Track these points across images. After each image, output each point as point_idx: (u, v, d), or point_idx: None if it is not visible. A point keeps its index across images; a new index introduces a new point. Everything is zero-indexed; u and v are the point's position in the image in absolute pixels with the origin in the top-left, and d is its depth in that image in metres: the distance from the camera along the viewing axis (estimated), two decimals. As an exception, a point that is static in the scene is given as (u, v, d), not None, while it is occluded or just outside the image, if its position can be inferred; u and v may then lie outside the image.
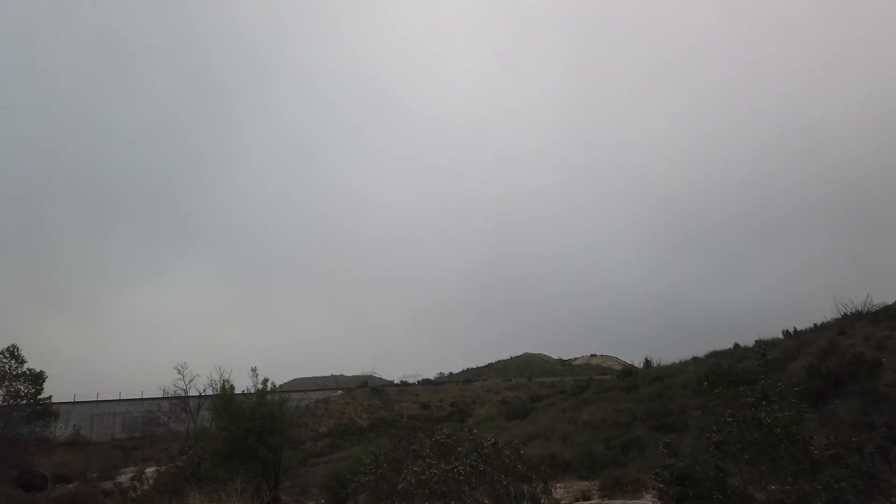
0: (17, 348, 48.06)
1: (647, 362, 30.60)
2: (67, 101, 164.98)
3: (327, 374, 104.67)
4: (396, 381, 74.14)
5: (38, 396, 47.98)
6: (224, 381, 28.12)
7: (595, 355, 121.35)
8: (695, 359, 30.11)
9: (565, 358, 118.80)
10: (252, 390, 29.14)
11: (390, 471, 11.10)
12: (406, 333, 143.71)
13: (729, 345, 30.24)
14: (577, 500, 12.61)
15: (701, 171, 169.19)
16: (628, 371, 29.81)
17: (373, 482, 10.85)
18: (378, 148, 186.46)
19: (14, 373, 47.24)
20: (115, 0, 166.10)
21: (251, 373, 29.24)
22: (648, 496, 12.10)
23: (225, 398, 28.30)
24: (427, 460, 7.84)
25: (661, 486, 9.15)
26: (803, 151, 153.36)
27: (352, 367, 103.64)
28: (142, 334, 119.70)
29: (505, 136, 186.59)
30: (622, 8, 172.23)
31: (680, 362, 31.08)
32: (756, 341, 26.49)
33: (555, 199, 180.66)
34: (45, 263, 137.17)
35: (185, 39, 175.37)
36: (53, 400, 51.16)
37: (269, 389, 29.32)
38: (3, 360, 47.11)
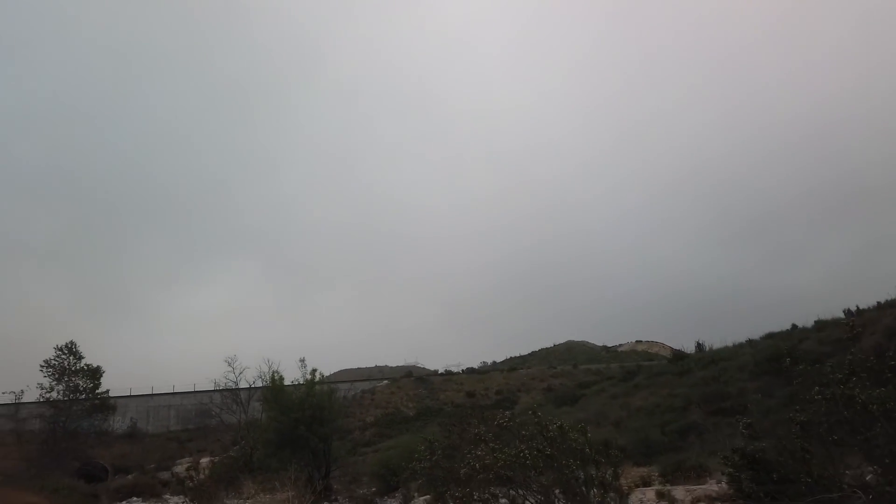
0: (75, 345, 49.58)
1: (699, 346, 29.77)
2: (119, 107, 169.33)
3: (371, 365, 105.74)
4: (440, 370, 74.30)
5: (97, 391, 49.39)
6: (274, 371, 28.51)
7: (640, 341, 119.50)
8: (750, 341, 29.15)
9: (610, 345, 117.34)
10: (301, 381, 29.47)
11: (445, 457, 10.93)
12: (446, 324, 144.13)
13: (784, 328, 29.22)
14: (636, 486, 12.24)
15: (755, 158, 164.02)
16: (679, 355, 29.02)
17: (428, 469, 10.70)
18: (416, 142, 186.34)
19: (73, 368, 48.70)
20: (169, 12, 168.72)
21: (299, 363, 29.58)
22: (713, 481, 11.65)
23: (275, 389, 28.66)
24: (491, 444, 7.60)
25: (732, 470, 8.74)
26: (859, 137, 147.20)
27: (395, 358, 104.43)
28: (190, 330, 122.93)
29: (544, 121, 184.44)
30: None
31: (734, 345, 30.15)
32: (815, 321, 25.46)
33: (597, 187, 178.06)
34: (96, 265, 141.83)
35: (230, 47, 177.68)
36: (110, 394, 52.71)
37: (316, 380, 29.60)
38: (62, 356, 48.60)
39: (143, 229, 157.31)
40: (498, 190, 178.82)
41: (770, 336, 28.64)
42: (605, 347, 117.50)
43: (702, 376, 22.64)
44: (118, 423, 56.24)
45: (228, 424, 48.86)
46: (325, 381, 30.85)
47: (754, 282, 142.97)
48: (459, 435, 15.67)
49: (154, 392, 62.05)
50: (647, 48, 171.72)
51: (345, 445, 39.96)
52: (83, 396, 48.60)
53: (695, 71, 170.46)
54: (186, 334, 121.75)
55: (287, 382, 30.18)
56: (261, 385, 41.47)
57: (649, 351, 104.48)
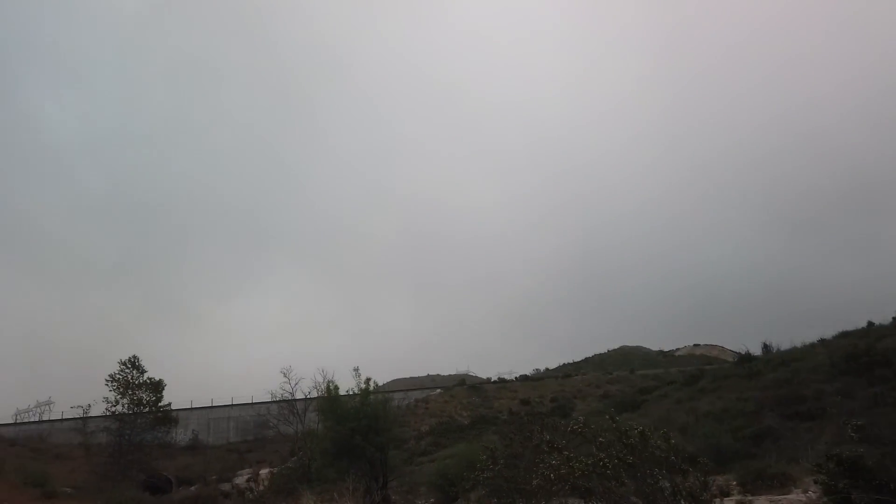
0: (138, 359, 50.94)
1: (766, 347, 28.36)
2: (173, 128, 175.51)
3: (423, 374, 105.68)
4: (493, 378, 73.60)
5: (159, 404, 50.61)
6: (329, 381, 28.48)
7: (698, 345, 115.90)
8: (823, 341, 27.64)
9: (666, 349, 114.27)
10: (356, 390, 29.36)
11: (507, 467, 10.46)
12: (497, 332, 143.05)
13: (859, 325, 27.63)
14: (714, 496, 11.44)
15: (808, 156, 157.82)
16: (746, 357, 27.69)
17: (490, 479, 10.23)
18: (460, 146, 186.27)
19: (136, 382, 50.04)
20: (195, 23, 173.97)
21: (353, 372, 29.48)
22: (798, 491, 10.80)
23: (330, 399, 28.62)
24: (566, 453, 7.08)
25: (826, 478, 7.99)
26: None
27: (447, 366, 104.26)
28: (247, 343, 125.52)
29: (593, 127, 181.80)
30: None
31: (805, 345, 28.65)
32: (894, 318, 23.91)
33: (648, 192, 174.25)
34: (157, 281, 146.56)
35: (263, 53, 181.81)
36: (172, 407, 53.96)
37: (371, 389, 29.43)
38: (126, 370, 49.99)
39: (200, 245, 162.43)
40: (547, 197, 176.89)
41: (845, 335, 27.13)
42: (661, 352, 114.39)
43: (773, 378, 21.45)
44: (180, 436, 57.56)
45: (286, 435, 49.43)
46: (381, 389, 30.70)
47: (818, 278, 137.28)
48: (521, 443, 15.17)
49: (214, 404, 63.29)
50: (698, 28, 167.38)
51: (401, 455, 39.75)
52: (146, 409, 49.90)
53: (747, 60, 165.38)
54: (244, 346, 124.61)
55: (342, 392, 30.15)
56: (316, 396, 41.76)
57: (708, 355, 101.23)
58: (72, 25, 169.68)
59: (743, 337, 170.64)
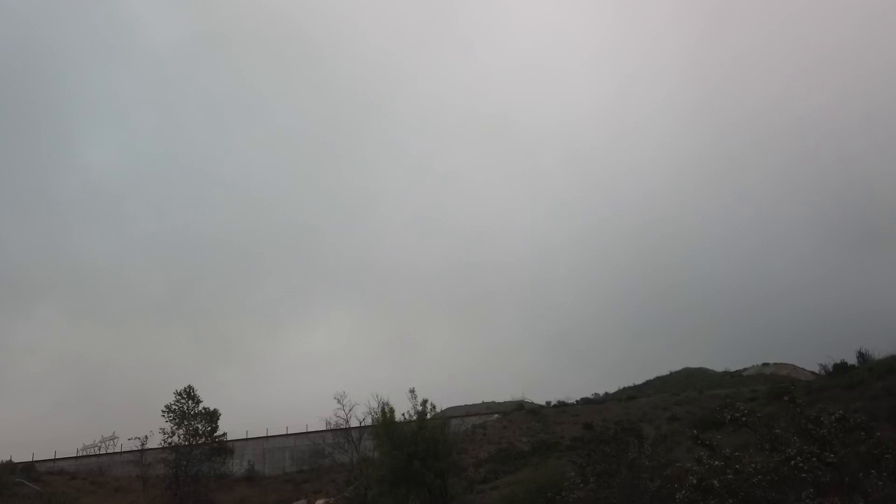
0: (193, 389, 50.72)
1: (862, 356, 25.56)
2: (217, 162, 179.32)
3: (478, 401, 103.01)
4: (553, 402, 70.73)
5: (214, 434, 50.11)
6: (384, 404, 27.14)
7: (768, 364, 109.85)
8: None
9: (732, 369, 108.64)
10: (412, 414, 27.85)
11: (599, 486, 8.85)
12: (549, 358, 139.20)
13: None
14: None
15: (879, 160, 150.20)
16: (842, 367, 25.01)
17: (583, 499, 8.65)
18: (505, 173, 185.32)
19: (191, 412, 49.75)
20: (235, 56, 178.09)
21: (409, 394, 28.05)
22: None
23: (386, 423, 27.22)
24: (725, 451, 5.42)
25: None
26: None
27: (500, 393, 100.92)
28: (300, 372, 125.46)
29: (638, 145, 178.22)
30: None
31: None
32: None
33: (701, 207, 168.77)
34: (206, 317, 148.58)
35: (305, 86, 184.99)
36: (227, 438, 53.43)
37: (428, 411, 27.90)
38: (181, 400, 49.78)
39: (248, 278, 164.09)
40: (596, 219, 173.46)
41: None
42: (727, 373, 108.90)
43: (883, 387, 18.95)
44: (236, 466, 56.90)
45: (341, 464, 48.08)
46: (438, 414, 29.10)
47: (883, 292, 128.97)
48: (616, 458, 13.49)
49: (269, 434, 62.57)
50: (748, 43, 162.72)
51: (460, 483, 37.90)
52: (202, 440, 49.50)
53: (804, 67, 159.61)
54: (296, 376, 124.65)
55: (397, 417, 28.70)
56: (371, 422, 40.30)
57: (779, 374, 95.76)
58: (109, 63, 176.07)
59: (811, 355, 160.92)
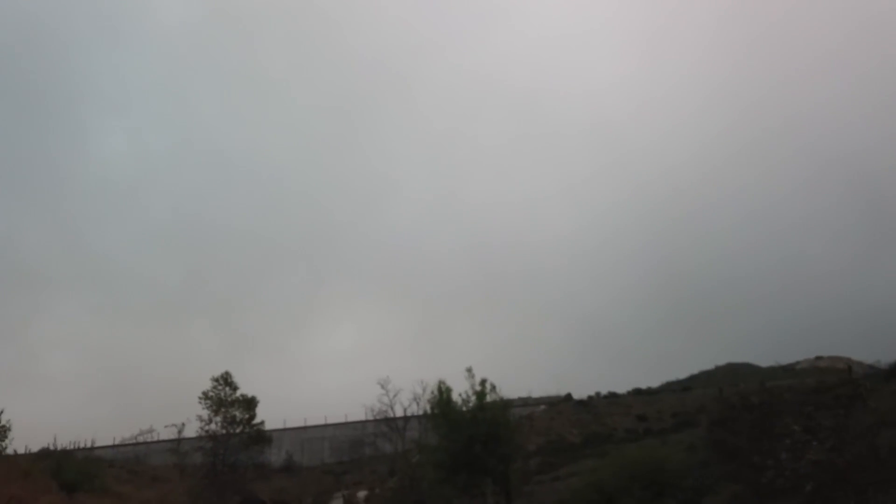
0: (230, 375, 49.01)
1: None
2: (218, 145, 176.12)
3: (514, 397, 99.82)
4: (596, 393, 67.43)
5: (252, 422, 48.43)
6: (440, 382, 24.61)
7: (821, 357, 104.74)
8: None
9: (781, 363, 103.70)
10: (470, 395, 25.33)
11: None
12: (583, 354, 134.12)
13: None
14: None
15: None
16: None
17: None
18: (530, 149, 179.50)
19: (229, 399, 48.13)
20: (249, 34, 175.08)
21: (466, 374, 25.52)
22: None
23: (442, 402, 24.73)
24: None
25: None
26: None
27: (537, 388, 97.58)
28: (335, 364, 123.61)
29: (666, 130, 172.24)
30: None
31: None
32: None
33: (728, 184, 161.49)
34: (227, 309, 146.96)
35: (324, 61, 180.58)
36: (265, 427, 51.78)
37: (487, 391, 25.33)
38: (218, 387, 48.16)
39: (268, 269, 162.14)
40: (634, 211, 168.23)
41: None
42: (777, 366, 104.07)
43: None
44: (274, 456, 55.26)
45: (384, 454, 45.91)
46: (498, 393, 26.48)
47: None
48: (761, 432, 11.01)
49: (307, 424, 60.82)
50: (777, 25, 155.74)
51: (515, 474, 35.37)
52: (240, 428, 47.92)
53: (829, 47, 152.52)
54: (325, 369, 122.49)
55: (454, 398, 26.21)
56: (415, 410, 37.78)
57: (834, 367, 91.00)
58: (116, 49, 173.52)
59: (863, 346, 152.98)
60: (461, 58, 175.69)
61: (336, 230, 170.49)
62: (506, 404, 25.52)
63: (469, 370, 25.50)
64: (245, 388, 49.65)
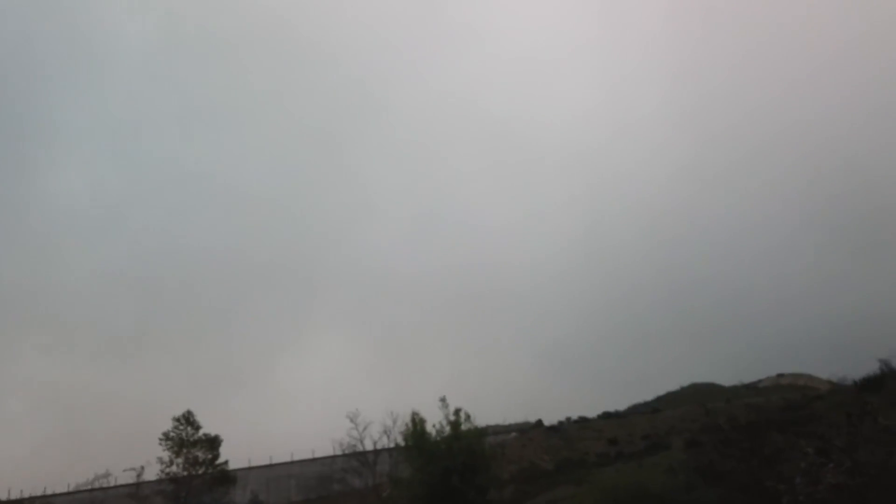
0: (192, 414, 47.39)
1: (886, 364, 22.78)
2: (176, 176, 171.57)
3: (482, 425, 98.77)
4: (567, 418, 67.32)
5: (216, 462, 46.69)
6: (414, 414, 24.03)
7: (783, 374, 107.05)
8: None
9: (744, 382, 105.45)
10: (445, 425, 24.82)
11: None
12: (552, 379, 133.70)
13: None
14: None
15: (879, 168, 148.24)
16: (875, 379, 22.12)
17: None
18: (505, 174, 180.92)
19: (191, 440, 46.38)
20: (213, 57, 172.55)
21: (440, 403, 25.03)
22: None
23: (416, 434, 24.15)
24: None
25: None
26: None
27: (509, 415, 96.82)
28: (301, 399, 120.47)
29: (629, 160, 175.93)
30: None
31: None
32: None
33: (698, 216, 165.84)
34: (194, 341, 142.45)
35: (301, 83, 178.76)
36: (229, 466, 49.93)
37: (462, 420, 24.87)
38: (180, 427, 46.42)
39: (239, 296, 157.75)
40: (594, 234, 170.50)
41: None
42: (741, 385, 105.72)
43: None
44: (239, 497, 53.26)
45: (354, 489, 44.64)
46: (473, 423, 26.00)
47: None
48: (751, 454, 10.83)
49: (273, 462, 58.91)
50: (751, 41, 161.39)
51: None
52: (203, 469, 46.14)
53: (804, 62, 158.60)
54: (297, 401, 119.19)
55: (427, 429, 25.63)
56: (386, 443, 36.93)
57: (796, 384, 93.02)
58: (78, 77, 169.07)
59: (823, 365, 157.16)
60: (438, 82, 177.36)
61: (307, 259, 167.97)
62: (481, 433, 25.08)
63: (443, 399, 25.07)
64: (208, 427, 47.91)
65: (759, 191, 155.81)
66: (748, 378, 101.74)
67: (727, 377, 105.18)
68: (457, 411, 24.93)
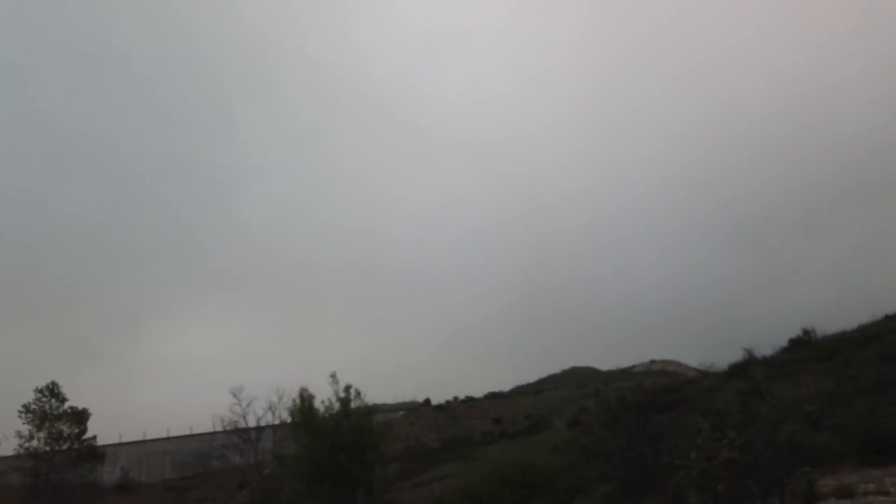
0: (57, 386, 44.00)
1: (807, 333, 25.04)
2: (64, 135, 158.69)
3: (378, 402, 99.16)
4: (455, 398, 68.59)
5: (82, 437, 43.61)
6: (302, 390, 23.41)
7: (655, 361, 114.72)
8: (863, 327, 24.65)
9: (620, 367, 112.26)
10: (334, 402, 24.41)
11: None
12: (443, 358, 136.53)
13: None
14: None
15: (745, 154, 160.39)
16: (800, 341, 24.40)
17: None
18: (395, 159, 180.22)
19: (55, 413, 43.00)
20: (105, 10, 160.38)
21: (330, 379, 24.57)
22: None
23: (304, 410, 23.59)
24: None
25: None
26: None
27: (402, 394, 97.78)
28: (173, 375, 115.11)
29: (528, 148, 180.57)
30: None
31: (835, 335, 25.74)
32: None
33: (584, 207, 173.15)
34: (60, 311, 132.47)
35: (176, 48, 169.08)
36: (98, 442, 46.83)
37: (352, 397, 24.57)
38: (43, 399, 42.92)
39: (107, 267, 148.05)
40: (484, 220, 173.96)
41: (890, 318, 24.17)
42: (617, 370, 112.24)
43: (862, 358, 17.98)
44: (107, 474, 50.19)
45: (234, 467, 43.26)
46: (363, 400, 25.72)
47: (748, 290, 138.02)
48: (636, 432, 11.33)
49: (147, 438, 55.94)
50: (633, 40, 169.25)
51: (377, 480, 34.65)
52: (67, 445, 42.97)
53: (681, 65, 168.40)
54: (172, 378, 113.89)
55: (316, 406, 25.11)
56: (271, 420, 36.01)
57: (666, 370, 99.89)
58: None
59: (690, 352, 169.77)
60: (321, 54, 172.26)
61: (187, 227, 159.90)
62: (370, 410, 24.90)
63: (333, 375, 24.62)
64: (76, 400, 44.58)
65: (651, 192, 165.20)
66: (623, 363, 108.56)
67: (604, 362, 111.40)
68: (347, 388, 24.56)
